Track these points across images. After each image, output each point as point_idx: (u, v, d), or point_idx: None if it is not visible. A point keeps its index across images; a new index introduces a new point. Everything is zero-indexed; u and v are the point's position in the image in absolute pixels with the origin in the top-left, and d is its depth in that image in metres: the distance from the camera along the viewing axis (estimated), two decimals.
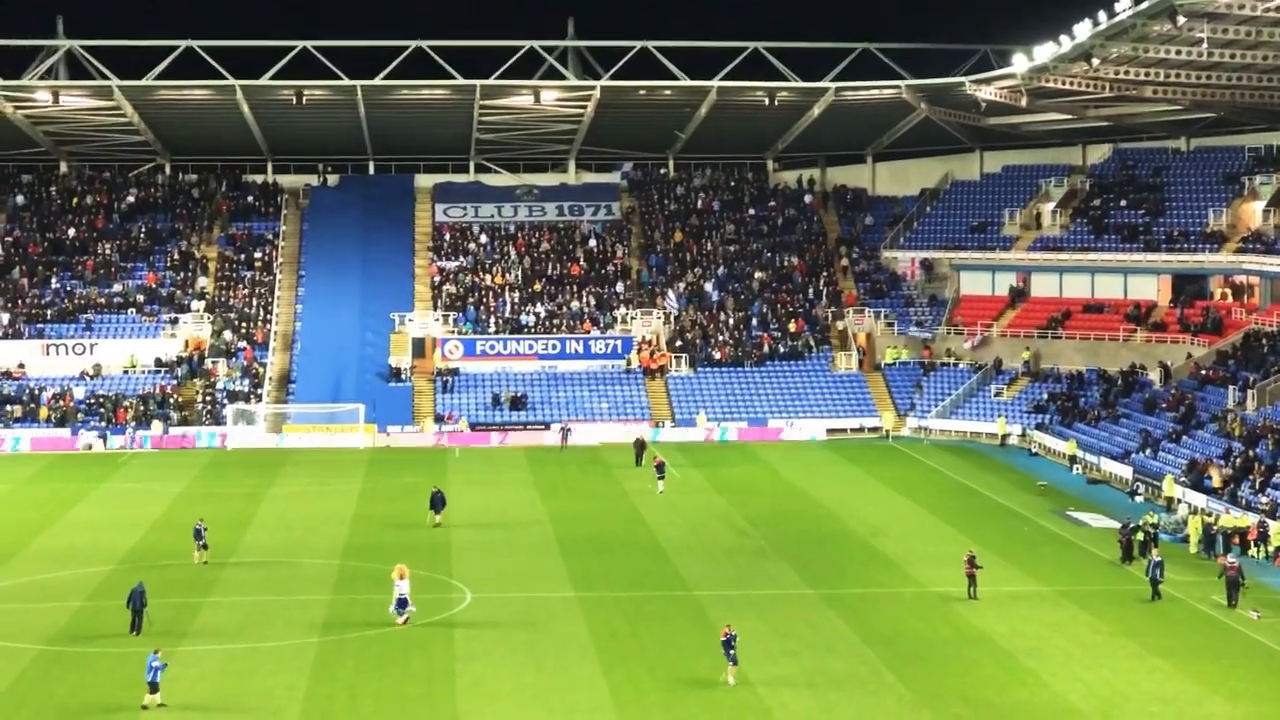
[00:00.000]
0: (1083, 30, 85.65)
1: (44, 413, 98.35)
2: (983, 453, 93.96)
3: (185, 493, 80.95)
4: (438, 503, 71.37)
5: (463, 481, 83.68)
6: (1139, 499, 77.45)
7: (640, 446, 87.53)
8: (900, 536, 69.09)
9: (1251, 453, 75.58)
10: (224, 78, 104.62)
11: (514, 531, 70.56)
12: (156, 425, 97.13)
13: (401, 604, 53.96)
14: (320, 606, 55.38)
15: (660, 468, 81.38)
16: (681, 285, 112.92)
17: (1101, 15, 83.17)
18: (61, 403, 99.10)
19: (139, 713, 44.68)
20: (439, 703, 45.67)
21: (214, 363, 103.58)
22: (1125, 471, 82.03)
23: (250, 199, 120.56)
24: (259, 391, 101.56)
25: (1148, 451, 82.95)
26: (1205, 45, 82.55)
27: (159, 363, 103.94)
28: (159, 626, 52.77)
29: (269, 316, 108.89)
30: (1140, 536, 64.28)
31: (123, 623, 52.83)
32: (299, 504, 77.81)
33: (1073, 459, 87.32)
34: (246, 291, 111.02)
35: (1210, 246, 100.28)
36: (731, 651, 47.08)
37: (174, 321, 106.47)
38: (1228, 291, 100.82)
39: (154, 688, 44.99)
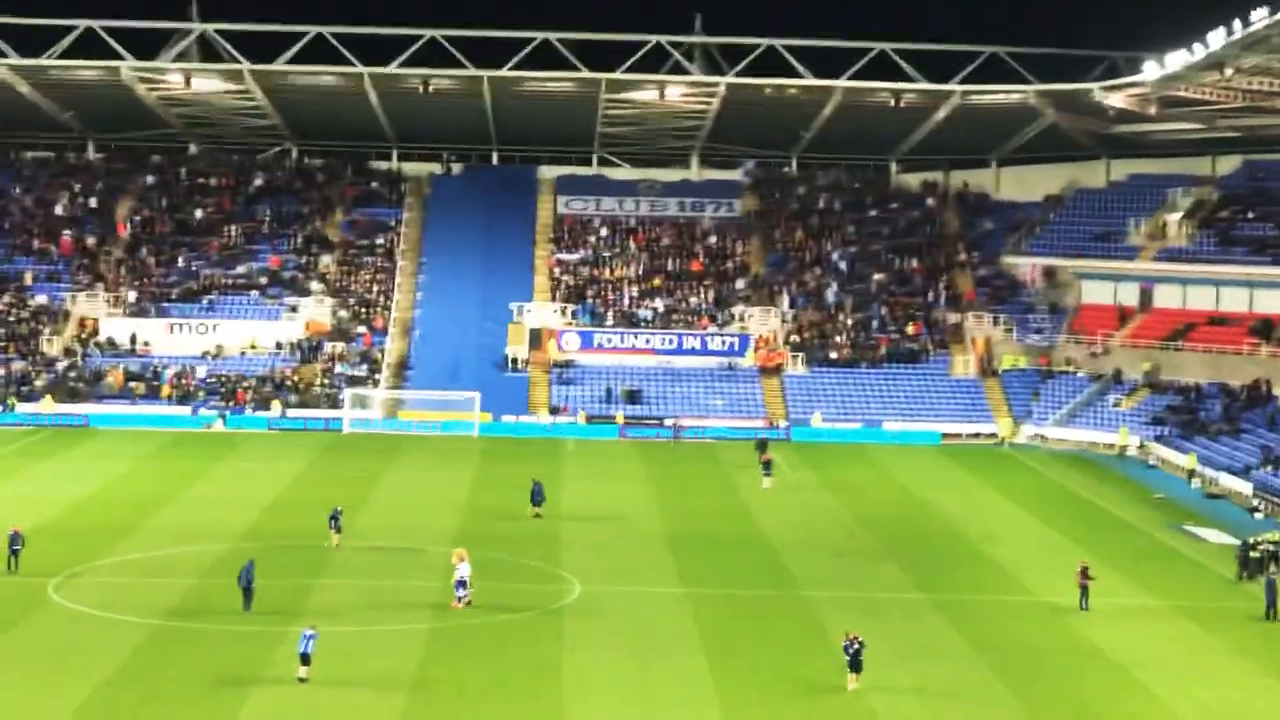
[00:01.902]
0: (1216, 39, 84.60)
1: (166, 390, 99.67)
2: (1099, 463, 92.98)
3: (301, 474, 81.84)
4: (537, 495, 71.44)
5: (575, 474, 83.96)
6: (1259, 515, 76.35)
7: (762, 445, 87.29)
8: (1012, 544, 68.53)
9: None
10: (352, 64, 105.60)
11: (624, 525, 70.66)
12: (275, 405, 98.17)
13: (461, 585, 54.28)
14: (431, 592, 55.68)
15: (768, 465, 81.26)
16: (800, 284, 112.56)
17: (1236, 24, 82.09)
18: (183, 381, 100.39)
19: (248, 688, 45.12)
20: (544, 693, 45.78)
21: (333, 347, 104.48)
22: (1245, 487, 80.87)
23: (374, 185, 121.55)
24: (376, 377, 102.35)
25: (1269, 468, 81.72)
26: None
27: (279, 345, 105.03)
28: (271, 605, 53.32)
29: (389, 302, 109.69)
30: (1257, 554, 63.40)
31: (236, 600, 53.42)
32: (412, 489, 78.43)
33: (1191, 473, 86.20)
34: (368, 277, 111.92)
35: None
36: (858, 659, 46.62)
37: (295, 307, 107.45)
38: None
39: (305, 659, 45.50)
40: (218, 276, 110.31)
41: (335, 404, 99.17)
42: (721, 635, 52.27)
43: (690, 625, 53.37)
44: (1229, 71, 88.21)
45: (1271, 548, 64.38)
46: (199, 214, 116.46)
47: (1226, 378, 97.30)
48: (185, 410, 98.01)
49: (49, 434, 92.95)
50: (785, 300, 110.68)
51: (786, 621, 54.30)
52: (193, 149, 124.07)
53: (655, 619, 54.18)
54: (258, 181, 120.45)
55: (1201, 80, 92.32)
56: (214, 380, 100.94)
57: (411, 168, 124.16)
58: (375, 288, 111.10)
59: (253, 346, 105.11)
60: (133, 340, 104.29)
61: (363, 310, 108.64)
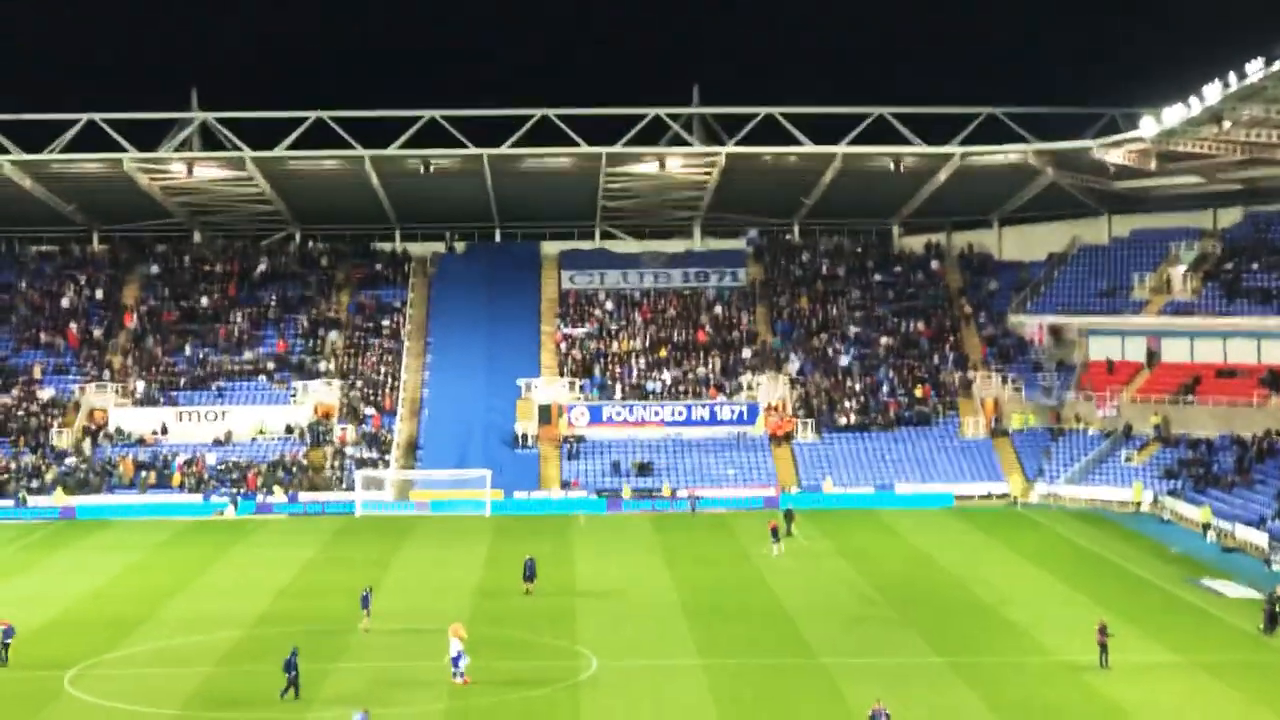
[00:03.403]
0: (1213, 92, 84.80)
1: (177, 479, 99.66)
2: (1113, 520, 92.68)
3: (314, 559, 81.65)
4: (529, 571, 70.99)
5: (588, 548, 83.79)
6: (1276, 566, 76.01)
7: (789, 517, 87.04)
8: (1029, 604, 68.22)
9: None
10: (353, 148, 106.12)
11: (639, 598, 70.41)
12: (278, 491, 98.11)
13: (455, 662, 54.30)
14: (446, 672, 55.41)
15: (775, 531, 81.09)
16: (808, 351, 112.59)
17: (1231, 77, 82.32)
18: (194, 469, 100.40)
19: None
20: None
21: (342, 429, 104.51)
22: (1261, 539, 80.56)
23: (379, 267, 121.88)
24: (387, 458, 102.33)
25: None
26: None
27: (288, 429, 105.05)
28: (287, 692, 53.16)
29: (397, 383, 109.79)
30: None
31: (255, 688, 53.31)
32: (427, 570, 78.20)
33: (1206, 526, 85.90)
34: (375, 359, 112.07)
35: None
36: None
37: (303, 389, 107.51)
38: None
39: None
40: (225, 363, 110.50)
41: (347, 486, 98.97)
42: (740, 706, 52.02)
43: (708, 697, 53.12)
44: (1227, 124, 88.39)
45: None
46: (204, 301, 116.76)
47: (1238, 429, 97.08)
48: (196, 498, 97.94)
49: (60, 527, 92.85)
50: (793, 367, 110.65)
51: (805, 691, 54.02)
52: (196, 237, 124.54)
53: (673, 692, 53.93)
54: (262, 267, 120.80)
55: (1200, 134, 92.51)
56: (224, 467, 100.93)
57: (415, 248, 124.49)
58: (383, 369, 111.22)
59: (261, 432, 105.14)
60: (163, 429, 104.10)
61: (371, 391, 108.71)
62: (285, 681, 52.58)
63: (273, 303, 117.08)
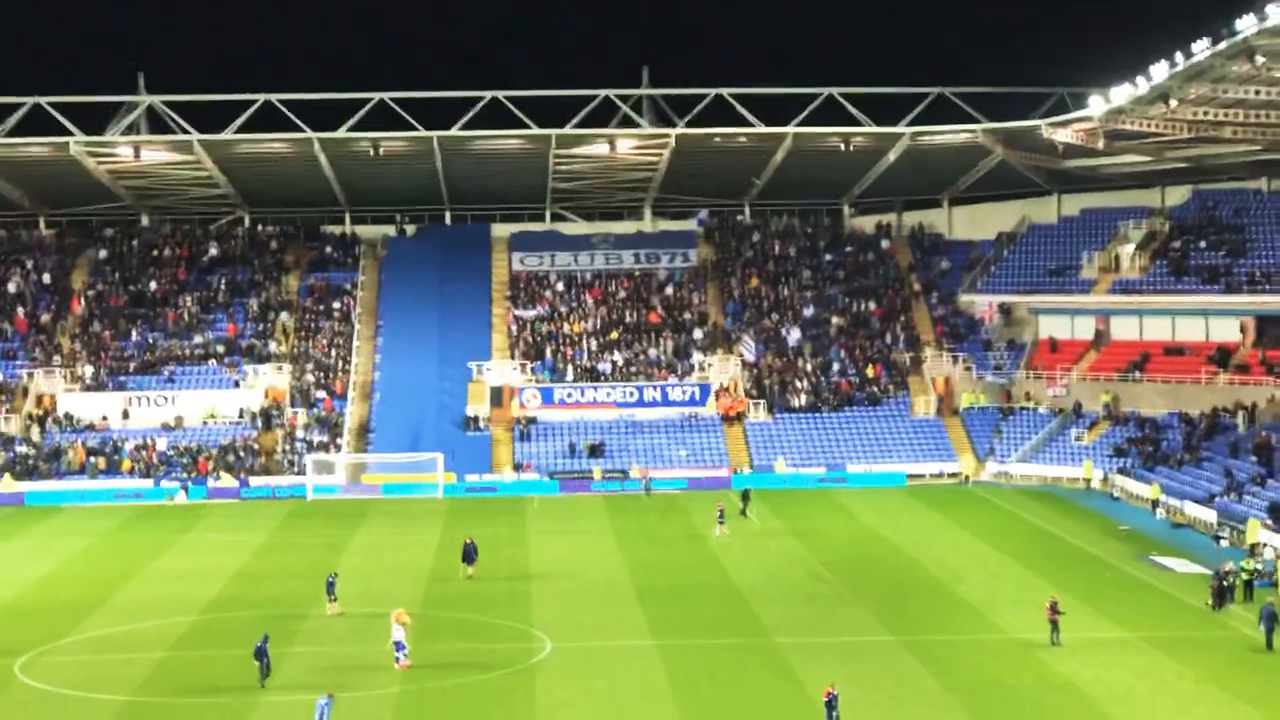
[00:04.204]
0: (1159, 72, 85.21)
1: (127, 464, 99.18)
2: (1063, 497, 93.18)
3: (266, 543, 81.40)
4: (470, 554, 70.66)
5: (542, 530, 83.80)
6: (1224, 543, 76.56)
7: (745, 497, 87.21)
8: (981, 582, 68.55)
9: None
10: (302, 130, 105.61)
11: (593, 579, 70.46)
12: (225, 477, 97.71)
13: (399, 646, 54.40)
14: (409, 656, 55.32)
15: (722, 513, 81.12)
16: (758, 331, 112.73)
17: (1179, 56, 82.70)
18: (144, 454, 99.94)
19: None
20: None
21: (293, 413, 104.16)
22: (1209, 515, 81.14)
23: (328, 250, 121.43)
24: (338, 441, 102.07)
25: (1232, 495, 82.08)
26: None
27: (240, 414, 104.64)
28: (241, 675, 53.04)
29: (348, 366, 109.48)
30: (1237, 582, 63.67)
31: (209, 674, 53.37)
32: (379, 553, 78.02)
33: (1155, 503, 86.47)
34: (325, 342, 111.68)
35: None
36: (834, 713, 46.39)
37: (253, 373, 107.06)
38: None
39: None
40: (174, 347, 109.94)
41: (298, 470, 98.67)
42: (694, 687, 52.14)
43: (662, 678, 53.20)
44: (1174, 103, 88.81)
45: (1247, 576, 64.69)
46: (153, 285, 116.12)
47: (1186, 407, 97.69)
48: (147, 484, 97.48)
49: (9, 514, 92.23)
50: (745, 348, 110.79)
51: (758, 670, 54.17)
52: (144, 221, 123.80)
53: (627, 673, 54.01)
54: (211, 251, 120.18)
55: (1147, 113, 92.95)
56: (175, 452, 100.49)
57: (365, 230, 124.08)
58: (334, 352, 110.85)
59: (212, 416, 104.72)
60: (124, 414, 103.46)
61: (322, 375, 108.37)
62: (258, 669, 52.34)
63: (222, 287, 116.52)
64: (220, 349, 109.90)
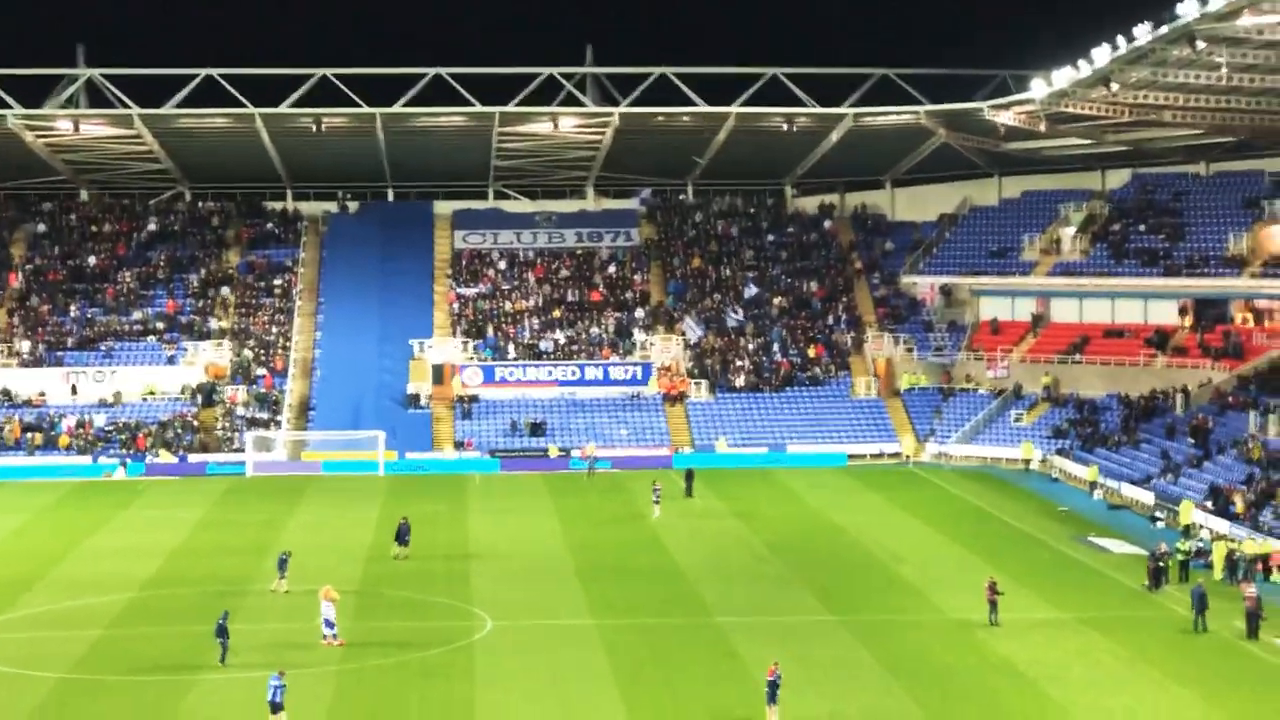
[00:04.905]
0: (1101, 55, 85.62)
1: (64, 440, 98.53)
2: (1003, 478, 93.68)
3: (204, 519, 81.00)
4: (403, 534, 70.08)
5: (482, 509, 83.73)
6: (1160, 524, 77.14)
7: (689, 477, 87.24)
8: (921, 563, 68.88)
9: (1273, 477, 75.35)
10: (243, 106, 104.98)
11: (534, 558, 70.46)
12: (164, 453, 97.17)
13: (329, 625, 54.35)
14: (340, 634, 55.17)
15: (658, 493, 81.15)
16: (700, 311, 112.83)
17: (1120, 40, 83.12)
18: (82, 431, 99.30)
19: None
20: None
21: (233, 389, 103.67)
22: (1146, 497, 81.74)
23: (270, 226, 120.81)
24: (278, 418, 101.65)
25: (1169, 477, 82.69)
26: (1224, 70, 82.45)
27: (180, 390, 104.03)
28: (179, 653, 52.87)
29: (288, 343, 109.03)
30: (1172, 563, 64.26)
31: (147, 651, 53.32)
32: (319, 531, 77.74)
33: (1093, 484, 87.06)
34: (266, 319, 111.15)
35: (1230, 271, 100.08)
36: (777, 692, 46.42)
37: (193, 349, 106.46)
38: (1249, 316, 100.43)
39: (275, 708, 44.86)
40: (113, 323, 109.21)
41: (238, 447, 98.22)
42: (634, 666, 52.21)
43: (602, 657, 53.25)
44: (1115, 86, 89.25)
45: (1182, 557, 65.24)
46: (92, 261, 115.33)
47: (1124, 389, 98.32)
48: (85, 460, 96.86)
49: None
50: (687, 327, 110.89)
51: (699, 650, 54.26)
52: (84, 195, 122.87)
53: (567, 652, 54.03)
54: (151, 226, 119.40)
55: (1089, 96, 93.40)
56: (113, 428, 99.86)
57: (307, 207, 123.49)
58: (274, 329, 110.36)
59: (151, 393, 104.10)
60: (73, 389, 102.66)
61: (262, 352, 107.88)
62: (220, 647, 52.04)
63: (162, 262, 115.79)
64: (160, 325, 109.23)
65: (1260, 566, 65.40)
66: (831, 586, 64.03)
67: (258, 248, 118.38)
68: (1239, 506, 73.54)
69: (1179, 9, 76.25)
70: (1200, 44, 78.42)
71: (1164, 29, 78.75)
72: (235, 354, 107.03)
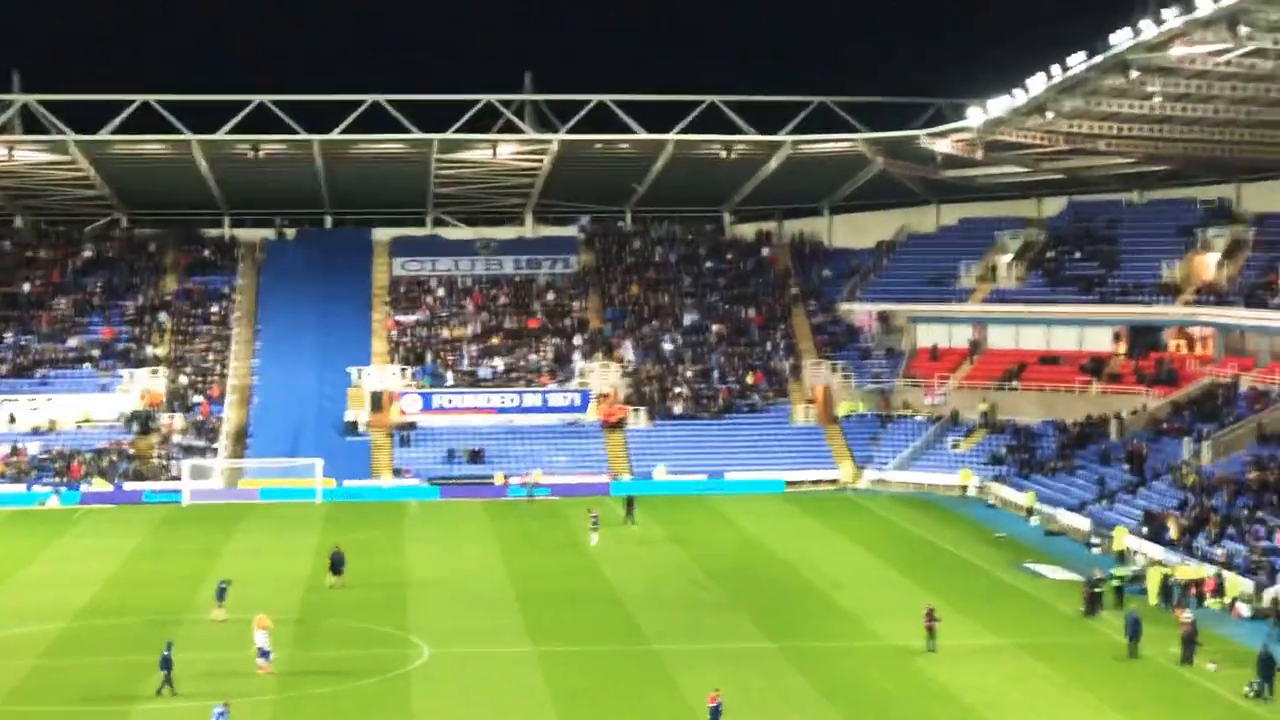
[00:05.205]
0: (1036, 84, 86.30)
1: None
2: (940, 505, 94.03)
3: (141, 548, 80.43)
4: (338, 564, 69.67)
5: (420, 536, 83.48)
6: (1096, 550, 77.59)
7: (630, 503, 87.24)
8: (859, 589, 69.04)
9: (1207, 503, 75.93)
10: (180, 132, 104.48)
11: (472, 585, 70.28)
12: (99, 481, 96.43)
13: (263, 654, 54.01)
14: (277, 663, 54.91)
15: (596, 520, 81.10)
16: (639, 338, 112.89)
17: (1055, 69, 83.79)
18: (16, 459, 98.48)
19: None
20: None
21: (169, 417, 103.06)
22: (1082, 523, 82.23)
23: (207, 253, 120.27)
24: (215, 446, 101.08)
25: (1104, 503, 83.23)
26: (1158, 99, 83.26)
27: (120, 417, 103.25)
28: (113, 684, 52.46)
29: (225, 370, 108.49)
30: (1107, 589, 64.66)
31: (82, 681, 52.91)
32: (256, 559, 77.26)
33: (1030, 510, 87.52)
34: (203, 346, 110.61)
35: (1164, 298, 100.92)
36: (717, 717, 46.48)
37: (129, 376, 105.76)
38: (1182, 343, 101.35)
39: None
40: (49, 350, 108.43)
41: (174, 475, 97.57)
42: (573, 694, 52.11)
43: (541, 684, 53.15)
44: (1050, 115, 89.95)
45: (1118, 583, 65.64)
46: (27, 288, 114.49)
47: (1060, 415, 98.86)
48: (19, 488, 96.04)
49: None
50: (626, 354, 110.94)
51: (638, 677, 54.25)
52: (18, 222, 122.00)
53: (506, 680, 53.91)
54: (87, 253, 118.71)
55: (1024, 124, 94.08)
56: (47, 456, 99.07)
57: (244, 234, 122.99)
58: (211, 356, 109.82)
59: (87, 420, 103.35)
60: (9, 419, 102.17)
61: (199, 379, 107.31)
62: (163, 678, 51.56)
63: (98, 289, 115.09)
64: (95, 352, 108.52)
65: (1194, 591, 65.82)
66: (769, 613, 64.10)
67: (195, 274, 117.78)
68: (1173, 532, 74.01)
69: (1112, 39, 76.96)
70: (1134, 73, 79.17)
71: (1098, 58, 79.45)
72: (172, 381, 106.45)
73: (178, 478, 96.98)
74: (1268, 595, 64.63)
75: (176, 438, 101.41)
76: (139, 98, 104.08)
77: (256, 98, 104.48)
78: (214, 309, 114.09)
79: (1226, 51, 72.78)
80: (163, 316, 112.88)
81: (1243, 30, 68.55)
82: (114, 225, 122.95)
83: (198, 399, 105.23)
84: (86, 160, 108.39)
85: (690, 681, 52.42)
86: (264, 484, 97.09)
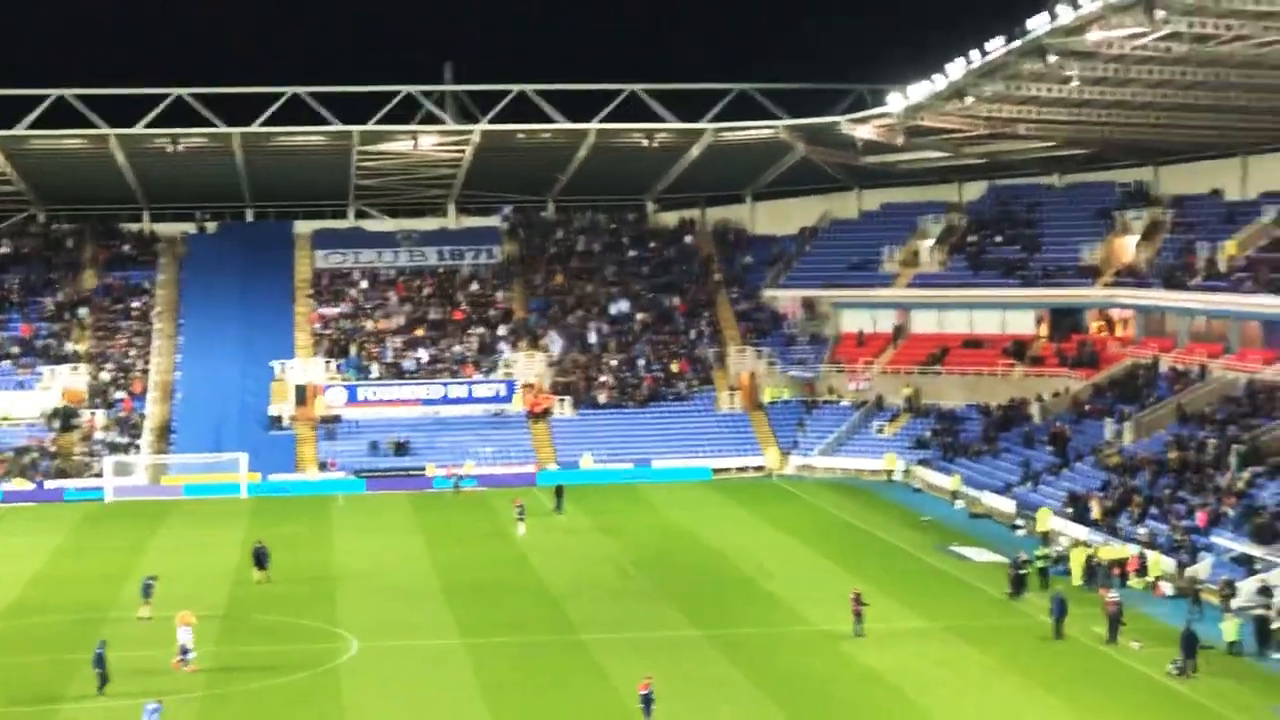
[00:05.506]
0: (956, 69, 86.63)
1: None
2: (866, 489, 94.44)
3: (64, 546, 79.73)
4: (261, 558, 69.45)
5: (346, 528, 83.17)
6: (1020, 532, 78.12)
7: (559, 493, 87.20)
8: (787, 576, 69.25)
9: (1129, 484, 76.62)
10: (98, 126, 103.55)
11: (399, 578, 70.07)
12: (18, 481, 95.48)
13: (184, 652, 53.80)
14: (204, 659, 54.59)
15: (521, 510, 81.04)
16: (563, 327, 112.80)
17: (975, 54, 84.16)
18: None
19: None
20: None
21: (91, 414, 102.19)
22: (1007, 505, 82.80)
23: (126, 248, 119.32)
24: (138, 442, 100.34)
25: (1028, 485, 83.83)
26: (1076, 83, 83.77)
27: (42, 414, 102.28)
28: (35, 683, 52.01)
29: (147, 366, 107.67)
30: (1032, 571, 65.14)
31: (4, 682, 52.42)
32: (181, 555, 76.67)
33: (955, 494, 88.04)
34: (124, 342, 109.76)
35: (1085, 281, 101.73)
36: (651, 707, 46.56)
37: (50, 373, 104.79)
38: (1103, 325, 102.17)
39: None
40: None
41: (96, 473, 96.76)
42: (502, 685, 52.09)
43: (470, 676, 53.12)
44: (970, 100, 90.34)
45: (1042, 564, 66.14)
46: None
47: (984, 399, 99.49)
48: None
49: None
50: (550, 344, 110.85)
51: (567, 667, 54.27)
52: None
53: (435, 672, 53.84)
54: (3, 249, 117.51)
55: (944, 109, 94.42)
56: None
57: (164, 228, 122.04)
58: (133, 352, 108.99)
59: (6, 418, 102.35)
60: None
61: (121, 375, 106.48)
62: (96, 676, 51.11)
63: (15, 286, 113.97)
64: (14, 349, 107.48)
65: (1118, 571, 66.44)
66: (698, 601, 64.23)
67: (114, 270, 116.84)
68: (1096, 513, 74.65)
69: (1030, 23, 77.34)
70: (1051, 58, 79.51)
71: (1016, 43, 79.76)
72: (93, 377, 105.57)
73: (101, 475, 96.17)
74: (1189, 574, 65.25)
75: (99, 434, 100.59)
76: (55, 92, 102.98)
77: (175, 91, 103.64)
78: (135, 304, 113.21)
79: (1143, 35, 73.20)
80: (82, 312, 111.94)
81: (1159, 14, 68.99)
82: (30, 221, 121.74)
83: (120, 395, 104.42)
84: (2, 155, 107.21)
85: (619, 671, 52.50)
86: (188, 480, 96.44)
